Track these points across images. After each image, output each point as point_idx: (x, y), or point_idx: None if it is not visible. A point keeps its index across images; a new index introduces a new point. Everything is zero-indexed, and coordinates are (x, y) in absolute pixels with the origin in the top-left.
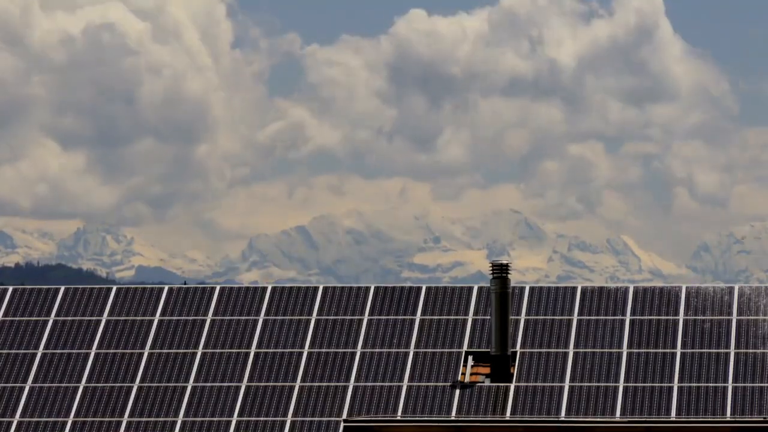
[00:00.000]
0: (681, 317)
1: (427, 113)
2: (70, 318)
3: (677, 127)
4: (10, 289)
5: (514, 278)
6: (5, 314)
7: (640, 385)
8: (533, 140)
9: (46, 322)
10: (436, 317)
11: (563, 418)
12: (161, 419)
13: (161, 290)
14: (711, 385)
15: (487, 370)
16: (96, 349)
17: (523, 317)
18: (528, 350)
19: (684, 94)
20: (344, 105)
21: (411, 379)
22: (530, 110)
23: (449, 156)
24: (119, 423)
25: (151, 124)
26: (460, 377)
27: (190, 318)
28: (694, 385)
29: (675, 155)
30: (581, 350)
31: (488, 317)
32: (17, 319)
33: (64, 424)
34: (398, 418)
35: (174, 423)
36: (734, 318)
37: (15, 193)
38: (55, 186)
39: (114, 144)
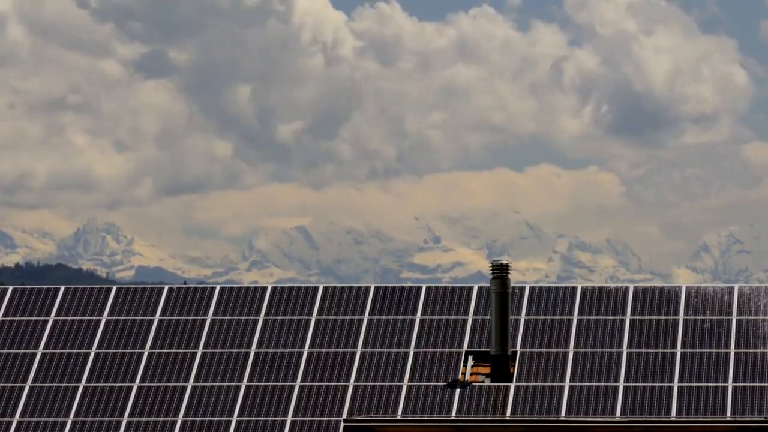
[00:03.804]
0: (681, 317)
1: None
2: (70, 318)
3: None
4: (10, 289)
5: (514, 278)
6: (5, 314)
7: (640, 385)
8: None
9: (46, 322)
10: (436, 317)
11: (563, 418)
12: (161, 419)
13: (161, 290)
14: (711, 385)
15: (487, 370)
16: (96, 349)
17: (523, 317)
18: (528, 350)
19: None
20: None
21: (411, 379)
22: None
23: None
24: (119, 423)
25: None
26: (460, 377)
27: (190, 318)
28: (694, 385)
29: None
30: (581, 350)
31: (488, 317)
32: (17, 319)
33: (64, 424)
34: (398, 418)
35: (174, 423)
36: (734, 318)
37: None
38: None
39: None
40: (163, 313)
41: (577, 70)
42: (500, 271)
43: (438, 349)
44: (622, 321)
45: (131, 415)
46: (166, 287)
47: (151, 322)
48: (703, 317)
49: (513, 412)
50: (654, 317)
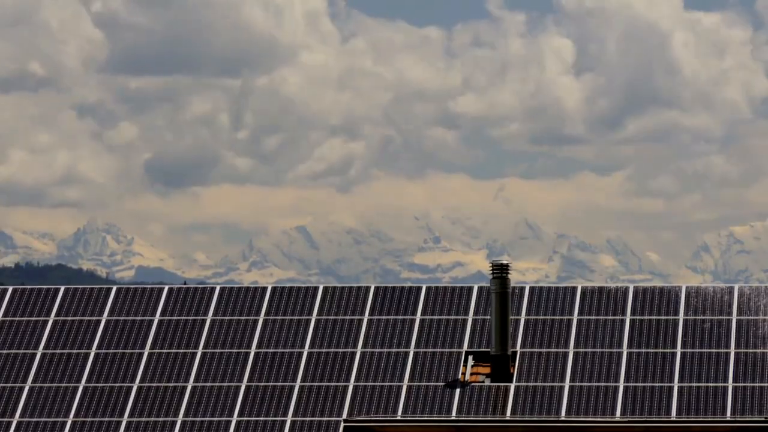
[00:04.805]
0: (681, 317)
1: None
2: (70, 318)
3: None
4: (10, 289)
5: (514, 278)
6: (5, 314)
7: (640, 385)
8: None
9: (46, 322)
10: (436, 317)
11: (563, 418)
12: (161, 419)
13: (161, 290)
14: (711, 385)
15: (487, 370)
16: (96, 349)
17: (523, 317)
18: (528, 350)
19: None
20: None
21: (411, 379)
22: None
23: None
24: (119, 423)
25: None
26: (460, 377)
27: (190, 318)
28: (694, 385)
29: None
30: (581, 350)
31: (488, 317)
32: (17, 319)
33: (64, 424)
34: (398, 418)
35: (174, 423)
36: (734, 318)
37: None
38: None
39: None
40: (163, 313)
41: (566, 59)
42: (500, 271)
43: (438, 349)
44: (622, 321)
45: (131, 415)
46: (166, 287)
47: (151, 322)
48: (703, 317)
49: (513, 412)
50: (654, 317)
